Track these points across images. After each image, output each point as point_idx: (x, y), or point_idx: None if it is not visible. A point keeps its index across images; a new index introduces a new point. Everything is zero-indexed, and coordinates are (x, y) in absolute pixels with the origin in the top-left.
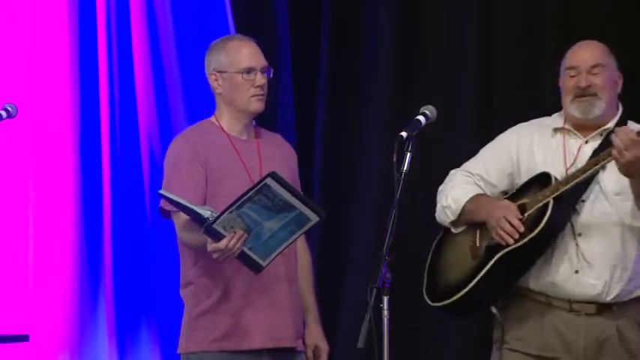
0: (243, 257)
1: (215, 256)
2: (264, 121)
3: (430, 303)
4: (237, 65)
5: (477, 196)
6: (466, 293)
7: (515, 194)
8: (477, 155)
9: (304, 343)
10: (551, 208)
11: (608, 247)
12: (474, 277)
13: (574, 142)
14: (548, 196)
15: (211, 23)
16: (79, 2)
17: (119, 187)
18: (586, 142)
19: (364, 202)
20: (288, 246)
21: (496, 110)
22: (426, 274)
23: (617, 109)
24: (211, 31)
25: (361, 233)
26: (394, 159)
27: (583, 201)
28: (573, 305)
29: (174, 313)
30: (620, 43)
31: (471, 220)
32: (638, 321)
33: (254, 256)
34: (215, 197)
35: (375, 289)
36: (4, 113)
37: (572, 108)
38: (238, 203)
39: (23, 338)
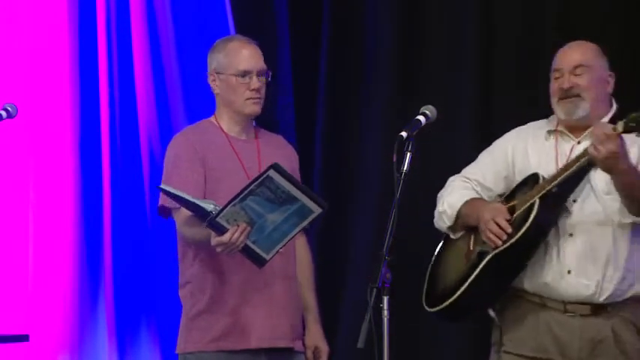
0: (246, 251)
1: (219, 249)
2: (264, 121)
3: (427, 309)
4: (233, 67)
5: (471, 200)
6: (457, 298)
7: (508, 196)
8: (475, 161)
9: (304, 343)
10: (536, 208)
11: (599, 247)
12: (464, 282)
13: (567, 143)
14: (535, 196)
15: (211, 23)
16: (79, 2)
17: (119, 187)
18: (578, 142)
19: (364, 202)
20: (291, 239)
21: (496, 110)
22: (426, 281)
23: (610, 107)
24: (211, 31)
25: (361, 233)
26: (394, 159)
27: (574, 201)
28: (567, 306)
29: (174, 313)
30: (620, 43)
31: (467, 224)
32: (634, 322)
33: (258, 250)
34: (213, 197)
35: (375, 289)
36: (4, 113)
37: (558, 110)
38: (241, 196)
39: (23, 338)
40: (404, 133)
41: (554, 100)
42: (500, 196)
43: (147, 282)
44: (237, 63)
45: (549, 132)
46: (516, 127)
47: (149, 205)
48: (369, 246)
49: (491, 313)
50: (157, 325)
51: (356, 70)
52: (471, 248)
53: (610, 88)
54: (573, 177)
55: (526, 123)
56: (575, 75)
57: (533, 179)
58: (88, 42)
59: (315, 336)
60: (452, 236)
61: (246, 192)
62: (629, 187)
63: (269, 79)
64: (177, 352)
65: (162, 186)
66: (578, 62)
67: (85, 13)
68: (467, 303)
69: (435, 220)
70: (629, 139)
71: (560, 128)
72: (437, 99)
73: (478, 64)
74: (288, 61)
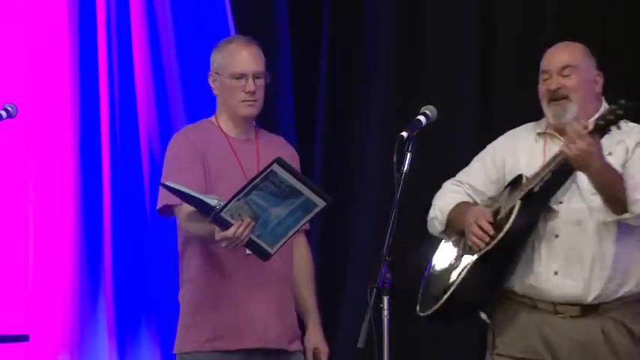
0: (251, 245)
1: (223, 244)
2: (264, 121)
3: (420, 314)
4: (229, 69)
5: (460, 203)
6: (445, 302)
7: (496, 198)
8: (469, 165)
9: (304, 344)
10: (517, 209)
11: (585, 247)
12: (451, 286)
13: (555, 145)
14: (517, 197)
15: (211, 23)
16: (79, 2)
17: (119, 187)
18: None
19: (364, 202)
20: (295, 232)
21: (496, 110)
22: (422, 285)
23: (599, 107)
24: (211, 31)
25: (361, 233)
26: (394, 159)
27: (561, 202)
28: (557, 307)
29: (174, 313)
30: (620, 43)
31: (457, 228)
32: (624, 322)
33: (262, 244)
34: None
35: (375, 289)
36: (4, 113)
37: (548, 113)
38: (245, 190)
39: (23, 338)
40: (404, 133)
41: (543, 103)
42: (490, 198)
43: (147, 282)
44: (233, 65)
45: (539, 134)
46: (516, 127)
47: (149, 205)
48: (369, 246)
49: (483, 315)
50: (157, 325)
51: (356, 70)
52: (460, 252)
53: (598, 88)
54: (557, 177)
55: (526, 123)
56: (563, 76)
57: (519, 181)
58: (88, 42)
59: (315, 337)
60: (445, 240)
61: (250, 186)
62: (606, 186)
63: (267, 81)
64: (174, 352)
65: (167, 182)
66: (565, 63)
67: (85, 13)
68: (455, 307)
69: (428, 225)
70: (615, 138)
71: (549, 130)
72: (437, 99)
73: (478, 64)
74: (288, 61)
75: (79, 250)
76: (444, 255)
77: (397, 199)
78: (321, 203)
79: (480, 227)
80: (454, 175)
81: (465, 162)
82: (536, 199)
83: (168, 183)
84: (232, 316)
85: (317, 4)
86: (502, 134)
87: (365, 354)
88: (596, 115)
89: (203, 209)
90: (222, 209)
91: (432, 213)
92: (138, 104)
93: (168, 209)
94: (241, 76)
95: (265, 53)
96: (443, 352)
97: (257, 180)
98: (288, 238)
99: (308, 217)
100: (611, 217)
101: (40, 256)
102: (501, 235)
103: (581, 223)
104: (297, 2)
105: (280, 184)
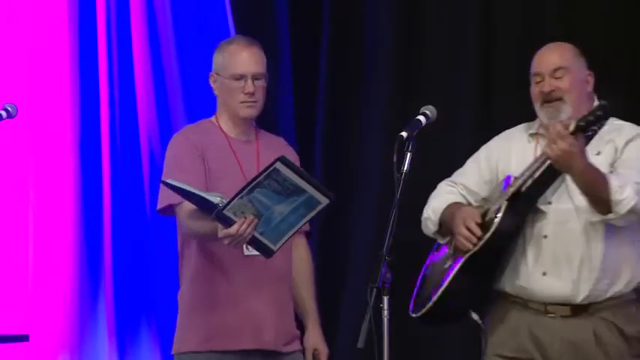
0: (254, 242)
1: (226, 241)
2: (264, 121)
3: (412, 315)
4: (229, 70)
5: (452, 204)
6: (434, 303)
7: (489, 199)
8: (464, 165)
9: (303, 345)
10: (503, 210)
11: (573, 247)
12: (440, 287)
13: None
14: (503, 198)
15: (211, 23)
16: (79, 2)
17: (119, 187)
18: None
19: (364, 202)
20: (298, 229)
21: (496, 110)
22: (416, 286)
23: (592, 106)
24: (211, 31)
25: (361, 233)
26: (394, 159)
27: (550, 203)
28: (548, 307)
29: (174, 313)
30: (620, 43)
31: (449, 228)
32: (615, 322)
33: (265, 241)
34: None
35: (375, 289)
36: (4, 113)
37: (541, 114)
38: (248, 188)
39: (23, 338)
40: (404, 133)
41: (536, 105)
42: (484, 199)
43: (147, 282)
44: (233, 66)
45: (531, 135)
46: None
47: (149, 205)
48: (369, 246)
49: (474, 316)
50: (157, 325)
51: (356, 70)
52: (451, 253)
53: (590, 87)
54: (545, 177)
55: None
56: (556, 78)
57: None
58: (88, 42)
59: (315, 338)
60: (440, 241)
61: (253, 184)
62: (589, 186)
63: (266, 82)
64: (172, 352)
65: (169, 180)
66: (557, 65)
67: (85, 13)
68: (444, 309)
69: (422, 225)
70: (605, 137)
71: (541, 131)
72: (437, 99)
73: (478, 64)
74: (288, 61)
75: (79, 250)
76: (438, 255)
77: (397, 199)
78: (324, 201)
79: (468, 228)
80: None
81: (465, 162)
82: (522, 200)
83: (169, 181)
84: (230, 316)
85: (317, 4)
86: None
87: (365, 354)
88: None
89: (205, 207)
90: (225, 207)
91: (425, 213)
92: (138, 104)
93: (169, 208)
94: (241, 77)
95: (265, 53)
96: (443, 352)
97: (260, 178)
98: (291, 235)
99: (311, 215)
100: (596, 218)
101: (40, 256)
102: (488, 235)
103: (568, 224)
104: (297, 2)
105: (284, 182)
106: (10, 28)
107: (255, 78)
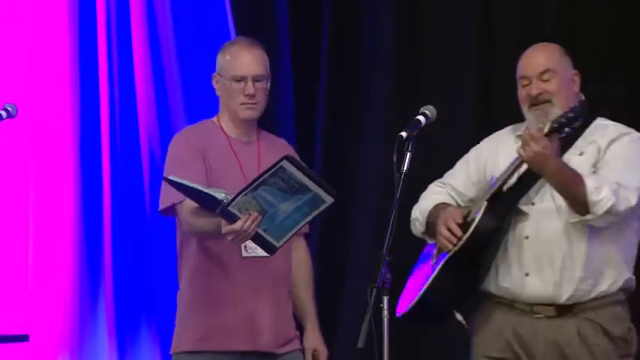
0: (257, 239)
1: (230, 237)
2: (264, 121)
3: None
4: (230, 72)
5: (439, 204)
6: (416, 304)
7: (476, 200)
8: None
9: (303, 346)
10: (482, 210)
11: (555, 248)
12: (422, 287)
13: None
14: (484, 199)
15: (211, 23)
16: (79, 2)
17: (119, 187)
18: None
19: (364, 202)
20: (302, 227)
21: (496, 110)
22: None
23: None
24: (211, 31)
25: (361, 233)
26: (394, 159)
27: (533, 203)
28: (534, 308)
29: (174, 312)
30: (620, 43)
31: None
32: (600, 322)
33: (268, 238)
34: None
35: (375, 289)
36: (4, 113)
37: (530, 117)
38: (253, 185)
39: (23, 338)
40: (404, 133)
41: (524, 108)
42: (471, 200)
43: (147, 282)
44: (234, 68)
45: (519, 136)
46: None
47: (149, 205)
48: (369, 246)
49: (458, 316)
50: (157, 325)
51: (356, 70)
52: (435, 253)
53: (577, 87)
54: (526, 179)
55: None
56: (543, 81)
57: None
58: (88, 42)
59: (314, 339)
60: (428, 241)
61: (258, 182)
62: (564, 187)
63: (268, 85)
64: (170, 352)
65: (172, 177)
66: (544, 67)
67: (85, 13)
68: (426, 309)
69: (411, 226)
70: (588, 138)
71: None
72: (437, 99)
73: (478, 64)
74: (288, 61)
75: (79, 250)
76: (424, 256)
77: (397, 199)
78: (328, 199)
79: (449, 229)
80: None
81: None
82: (502, 201)
83: (171, 177)
84: (228, 316)
85: (317, 4)
86: None
87: (365, 354)
88: None
89: (208, 204)
90: (229, 203)
91: (413, 214)
92: (138, 104)
93: (171, 209)
94: (241, 79)
95: (265, 53)
96: (443, 352)
97: (266, 175)
98: (295, 233)
99: (315, 213)
100: (575, 218)
101: (40, 256)
102: (467, 236)
103: (550, 224)
104: (297, 2)
105: (289, 180)
106: (10, 28)
107: (255, 80)
